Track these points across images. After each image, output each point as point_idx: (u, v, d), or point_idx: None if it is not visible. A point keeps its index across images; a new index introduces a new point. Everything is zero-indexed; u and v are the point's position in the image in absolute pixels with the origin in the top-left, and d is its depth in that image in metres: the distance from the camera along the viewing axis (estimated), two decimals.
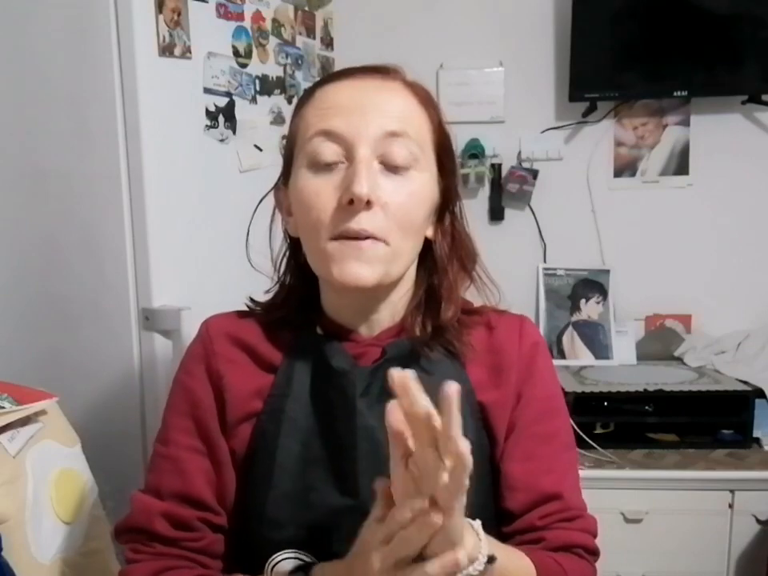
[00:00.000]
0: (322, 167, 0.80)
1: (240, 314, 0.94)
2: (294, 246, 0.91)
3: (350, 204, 0.77)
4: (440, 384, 0.81)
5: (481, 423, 0.87)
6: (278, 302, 0.93)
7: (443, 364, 0.86)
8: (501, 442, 0.88)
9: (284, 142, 0.92)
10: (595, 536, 0.88)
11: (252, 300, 0.95)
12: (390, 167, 0.80)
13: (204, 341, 0.91)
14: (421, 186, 0.82)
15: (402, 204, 0.80)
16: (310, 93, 0.86)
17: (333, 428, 0.84)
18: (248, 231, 0.97)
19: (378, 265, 0.79)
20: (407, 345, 0.86)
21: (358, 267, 0.78)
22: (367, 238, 0.78)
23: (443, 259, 0.88)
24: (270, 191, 0.93)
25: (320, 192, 0.79)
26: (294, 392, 0.86)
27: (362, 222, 0.77)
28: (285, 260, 0.93)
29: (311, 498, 0.82)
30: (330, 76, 0.88)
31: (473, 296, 0.92)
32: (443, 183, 0.87)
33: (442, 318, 0.87)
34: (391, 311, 0.88)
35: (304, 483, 0.83)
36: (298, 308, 0.90)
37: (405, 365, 0.79)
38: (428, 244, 0.88)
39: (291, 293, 0.92)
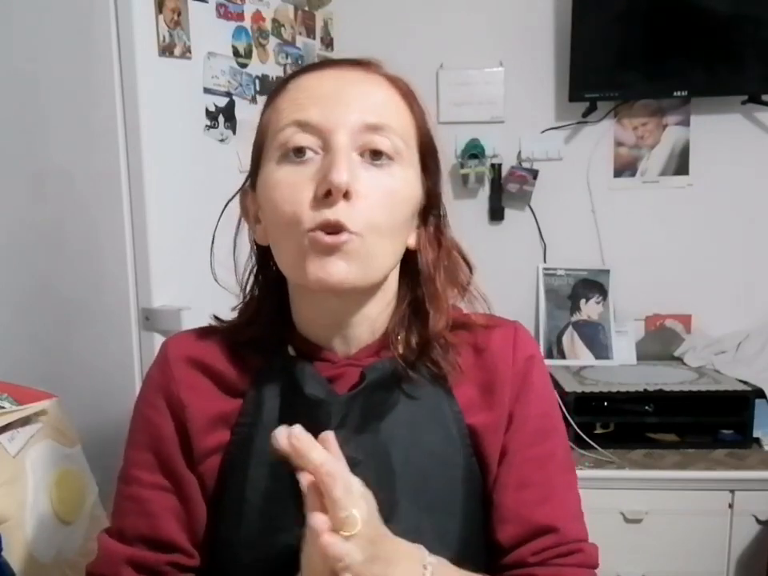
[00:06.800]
0: (295, 158, 0.73)
1: (204, 333, 0.86)
2: (263, 256, 0.83)
3: (327, 196, 0.70)
4: (425, 409, 0.79)
5: (471, 450, 0.80)
6: (245, 319, 0.85)
7: (428, 387, 0.80)
8: (493, 468, 0.81)
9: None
10: (594, 567, 0.80)
11: (217, 318, 0.87)
12: (371, 159, 0.73)
13: (162, 366, 0.84)
14: (403, 183, 0.75)
15: (381, 198, 0.73)
16: (283, 83, 0.79)
17: None
18: (212, 242, 0.88)
19: (354, 261, 0.71)
20: (388, 367, 0.78)
21: (334, 262, 0.71)
22: (344, 231, 0.71)
23: (429, 267, 0.80)
24: (234, 195, 0.85)
25: (294, 184, 0.72)
26: (263, 420, 0.78)
27: (340, 212, 0.70)
28: (253, 273, 0.85)
29: (279, 538, 0.75)
30: (306, 67, 0.80)
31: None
32: (427, 184, 0.80)
33: (431, 329, 0.79)
34: (370, 326, 0.80)
35: (271, 521, 0.76)
36: (268, 325, 0.82)
37: (386, 389, 0.79)
38: (410, 255, 0.80)
39: (260, 309, 0.84)
